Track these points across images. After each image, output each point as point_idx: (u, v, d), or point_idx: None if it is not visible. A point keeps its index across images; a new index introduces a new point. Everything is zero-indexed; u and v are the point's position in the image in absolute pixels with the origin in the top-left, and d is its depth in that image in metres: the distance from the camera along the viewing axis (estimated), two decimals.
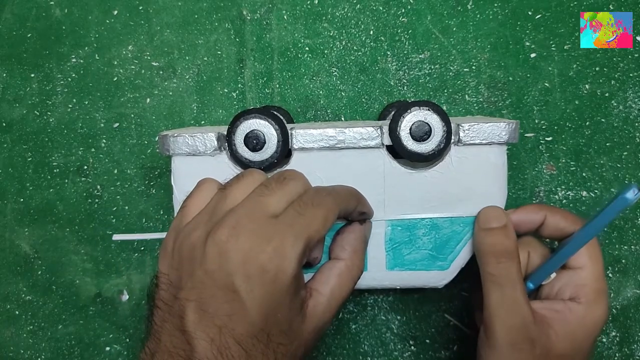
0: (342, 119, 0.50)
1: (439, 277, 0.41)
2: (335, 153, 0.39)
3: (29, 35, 0.52)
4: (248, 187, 0.33)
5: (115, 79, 0.51)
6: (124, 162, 0.51)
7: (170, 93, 0.51)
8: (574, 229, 0.39)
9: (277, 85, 0.51)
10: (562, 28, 0.49)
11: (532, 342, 0.36)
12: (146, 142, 0.51)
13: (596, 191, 0.49)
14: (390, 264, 0.41)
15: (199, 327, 0.29)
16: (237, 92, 0.51)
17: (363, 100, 0.50)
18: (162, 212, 0.51)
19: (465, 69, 0.49)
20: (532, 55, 0.49)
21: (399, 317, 0.50)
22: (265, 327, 0.30)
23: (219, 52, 0.51)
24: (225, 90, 0.51)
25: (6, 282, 0.52)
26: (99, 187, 0.51)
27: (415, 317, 0.50)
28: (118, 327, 0.52)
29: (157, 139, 0.47)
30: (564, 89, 0.49)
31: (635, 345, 0.49)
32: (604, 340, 0.49)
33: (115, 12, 0.51)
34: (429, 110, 0.38)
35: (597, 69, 0.49)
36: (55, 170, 0.52)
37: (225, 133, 0.39)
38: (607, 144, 0.49)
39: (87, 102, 0.52)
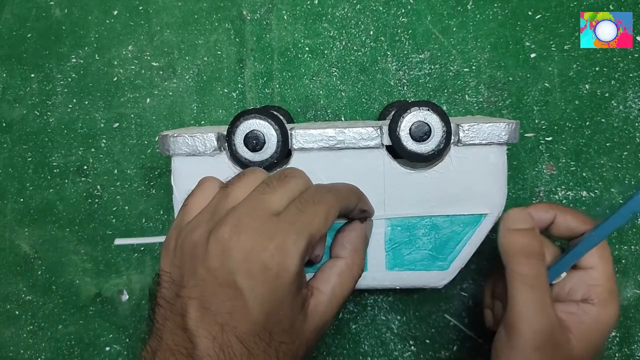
0: (342, 119, 0.50)
1: (438, 277, 0.41)
2: (335, 153, 0.39)
3: (29, 35, 0.52)
4: (250, 186, 0.33)
5: (115, 79, 0.51)
6: (124, 162, 0.51)
7: (170, 93, 0.51)
8: (584, 229, 0.38)
9: (277, 85, 0.51)
10: (562, 28, 0.49)
11: (556, 347, 0.36)
12: (146, 142, 0.51)
13: (596, 191, 0.49)
14: (390, 264, 0.41)
15: (201, 325, 0.29)
16: (237, 92, 0.51)
17: (363, 100, 0.50)
18: (162, 212, 0.51)
19: (465, 69, 0.49)
20: (532, 55, 0.49)
21: (399, 317, 0.50)
22: (268, 326, 0.30)
23: (219, 52, 0.51)
24: (225, 90, 0.51)
25: (6, 282, 0.52)
26: (99, 187, 0.51)
27: (415, 317, 0.50)
28: (118, 327, 0.52)
29: (157, 139, 0.47)
30: (564, 89, 0.49)
31: (635, 345, 0.49)
32: None
33: (115, 12, 0.52)
34: (428, 110, 0.38)
35: (597, 69, 0.49)
36: (55, 170, 0.52)
37: (225, 133, 0.39)
38: (607, 144, 0.49)
39: (87, 102, 0.52)
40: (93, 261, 0.51)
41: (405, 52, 0.50)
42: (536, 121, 0.49)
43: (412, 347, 0.50)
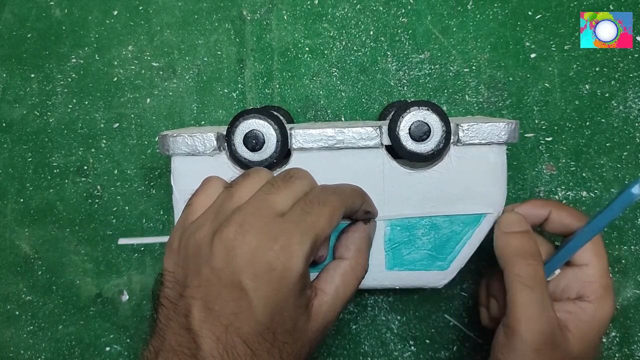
0: (342, 119, 0.50)
1: (438, 277, 0.41)
2: (334, 153, 0.39)
3: (29, 36, 0.52)
4: (254, 186, 0.33)
5: (115, 79, 0.51)
6: (124, 162, 0.51)
7: (170, 93, 0.51)
8: (579, 226, 0.38)
9: (277, 86, 0.51)
10: (562, 28, 0.49)
11: (556, 347, 0.36)
12: (146, 142, 0.51)
13: (596, 191, 0.49)
14: (390, 264, 0.41)
15: (204, 326, 0.29)
16: (237, 92, 0.51)
17: (363, 100, 0.50)
18: (162, 213, 0.51)
19: (465, 69, 0.49)
20: (532, 55, 0.49)
21: (399, 318, 0.50)
22: (271, 326, 0.30)
23: (219, 52, 0.51)
24: (225, 91, 0.51)
25: (6, 282, 0.52)
26: (99, 187, 0.51)
27: (415, 317, 0.50)
28: (118, 327, 0.52)
29: (157, 139, 0.47)
30: (564, 89, 0.49)
31: (635, 346, 0.49)
32: (604, 340, 0.49)
33: (115, 13, 0.52)
34: (428, 110, 0.38)
35: (597, 69, 0.49)
36: (55, 171, 0.52)
37: (225, 133, 0.39)
38: (607, 144, 0.49)
39: (87, 102, 0.52)
40: (93, 261, 0.51)
41: (405, 52, 0.50)
42: (536, 121, 0.49)
43: (412, 347, 0.50)
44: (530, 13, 0.49)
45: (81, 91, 0.52)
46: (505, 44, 0.49)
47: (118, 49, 0.51)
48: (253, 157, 0.39)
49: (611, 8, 0.49)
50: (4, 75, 0.52)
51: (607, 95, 0.49)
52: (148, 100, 0.51)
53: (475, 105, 0.49)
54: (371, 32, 0.50)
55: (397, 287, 0.42)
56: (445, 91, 0.50)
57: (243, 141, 0.39)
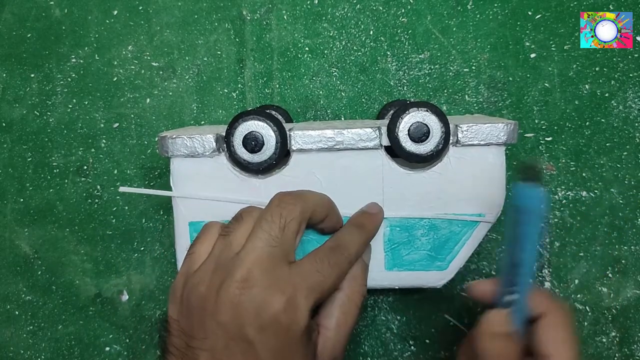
0: (342, 119, 0.50)
1: (437, 278, 0.41)
2: (333, 154, 0.39)
3: (28, 35, 0.52)
4: (249, 227, 0.34)
5: (115, 79, 0.51)
6: (124, 162, 0.51)
7: (170, 93, 0.51)
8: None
9: (277, 86, 0.51)
10: (562, 28, 0.49)
11: None
12: (146, 142, 0.51)
13: (596, 191, 0.49)
14: (389, 264, 0.41)
15: None
16: (237, 92, 0.51)
17: (363, 100, 0.50)
18: (162, 213, 0.51)
19: (465, 69, 0.49)
20: (532, 55, 0.49)
21: (398, 318, 0.50)
22: None
23: (219, 52, 0.51)
24: (225, 91, 0.51)
25: (6, 282, 0.52)
26: (99, 187, 0.51)
27: (415, 317, 0.50)
28: (118, 327, 0.52)
29: (156, 139, 0.47)
30: (564, 89, 0.49)
31: (635, 346, 0.49)
32: (604, 340, 0.49)
33: (115, 12, 0.52)
34: (427, 111, 0.38)
35: (597, 69, 0.49)
36: (55, 170, 0.52)
37: (224, 134, 0.39)
38: (607, 144, 0.49)
39: (87, 102, 0.52)
40: (93, 261, 0.52)
41: (405, 52, 0.50)
42: (536, 121, 0.49)
43: (412, 347, 0.50)
44: (530, 13, 0.49)
45: (81, 91, 0.52)
46: (505, 44, 0.49)
47: (118, 48, 0.51)
48: (252, 159, 0.39)
49: (611, 8, 0.49)
50: (4, 75, 0.52)
51: (607, 95, 0.49)
52: (148, 100, 0.51)
53: (475, 105, 0.49)
54: (371, 32, 0.50)
55: (397, 287, 0.42)
56: (445, 91, 0.49)
57: (242, 143, 0.39)
